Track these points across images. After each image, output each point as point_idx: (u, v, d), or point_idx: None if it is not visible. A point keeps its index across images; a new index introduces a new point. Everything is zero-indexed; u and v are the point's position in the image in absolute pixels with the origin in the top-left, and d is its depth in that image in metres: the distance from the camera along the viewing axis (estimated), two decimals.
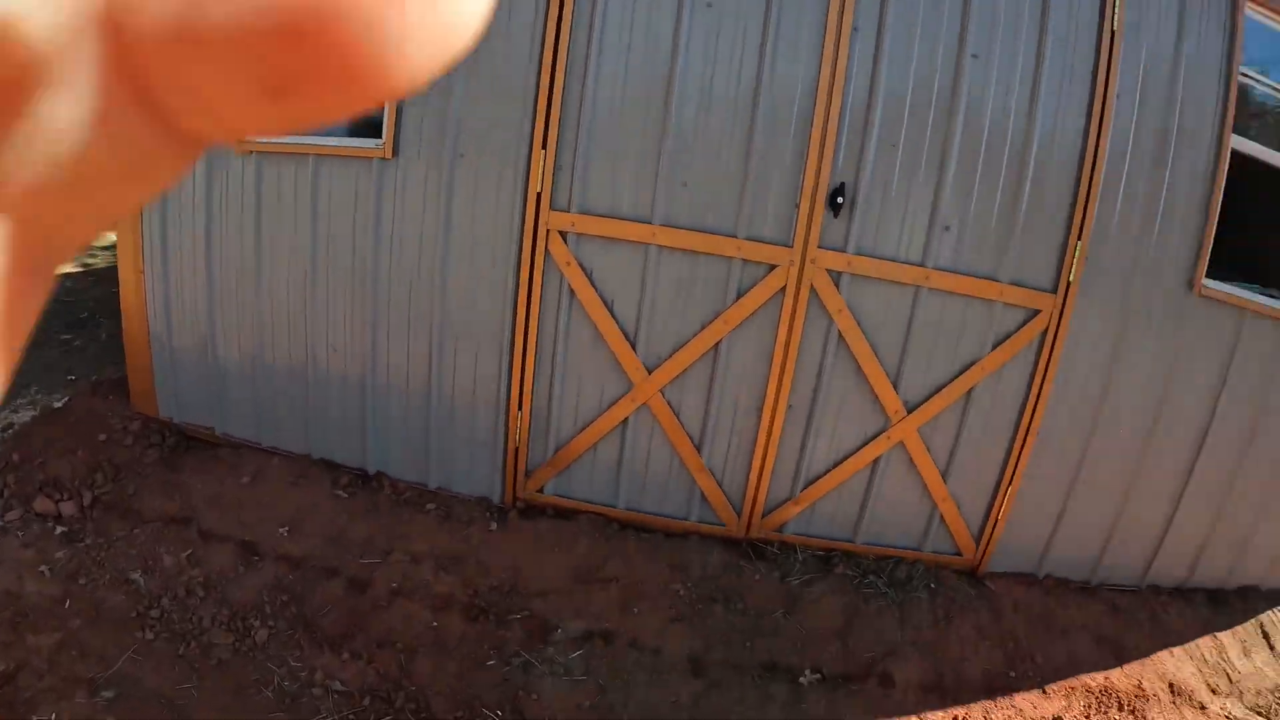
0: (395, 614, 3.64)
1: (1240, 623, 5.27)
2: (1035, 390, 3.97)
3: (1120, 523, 4.50)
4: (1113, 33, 3.90)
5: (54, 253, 0.18)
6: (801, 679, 3.63)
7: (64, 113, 0.15)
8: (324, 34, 0.14)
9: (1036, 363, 3.93)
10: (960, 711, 3.76)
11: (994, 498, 4.11)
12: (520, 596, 3.75)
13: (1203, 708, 4.38)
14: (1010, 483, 4.09)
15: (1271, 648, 5.15)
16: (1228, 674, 4.77)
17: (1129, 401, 4.23)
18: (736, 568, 3.99)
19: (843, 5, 3.48)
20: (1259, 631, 5.19)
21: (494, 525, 3.94)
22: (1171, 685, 4.44)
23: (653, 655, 3.55)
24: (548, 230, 3.56)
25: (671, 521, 4.00)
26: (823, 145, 3.55)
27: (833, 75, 3.54)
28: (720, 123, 3.52)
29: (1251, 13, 4.31)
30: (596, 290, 3.64)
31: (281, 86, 0.15)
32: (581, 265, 3.61)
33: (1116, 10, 3.86)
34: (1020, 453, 4.07)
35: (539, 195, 3.55)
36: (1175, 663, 4.62)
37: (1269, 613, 5.38)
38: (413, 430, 3.87)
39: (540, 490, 3.91)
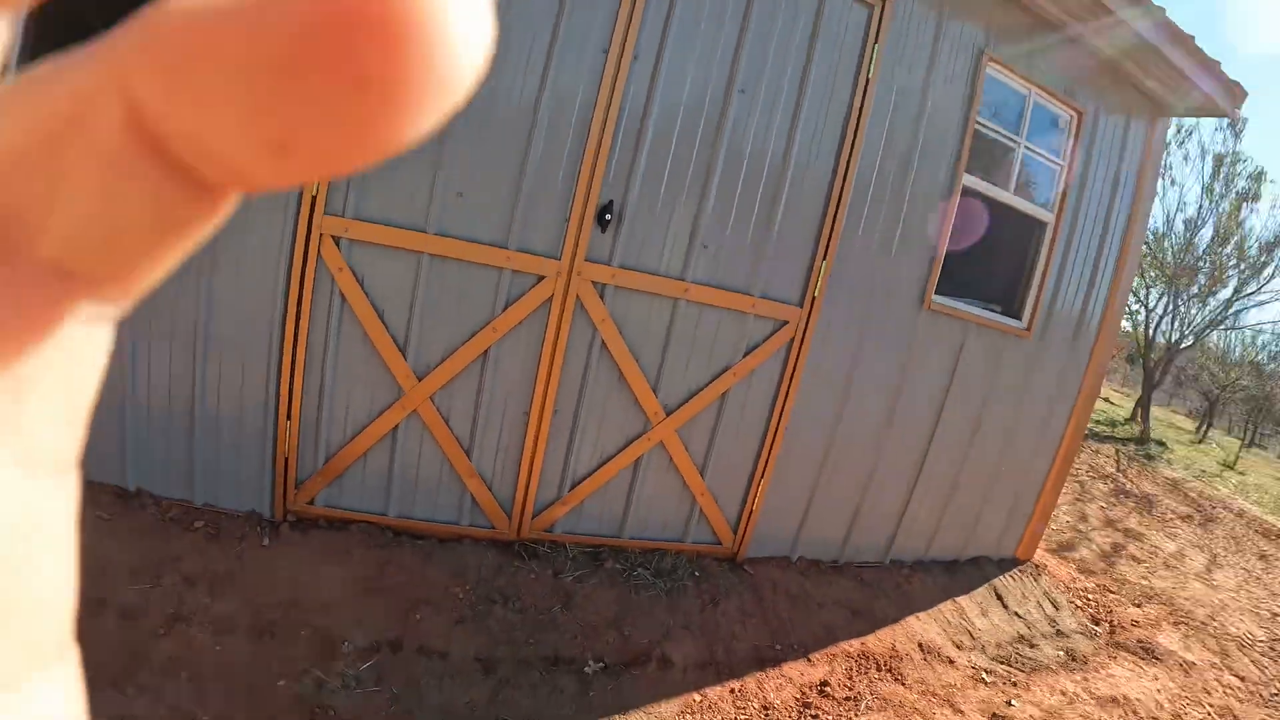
0: (176, 641, 3.45)
1: (976, 588, 5.88)
2: (783, 393, 4.37)
3: (863, 508, 5.01)
4: (868, 80, 4.31)
5: (97, 313, 0.18)
6: (586, 668, 3.75)
7: (85, 171, 0.16)
8: (322, 93, 0.15)
9: (784, 369, 4.33)
10: (736, 684, 3.99)
11: (748, 491, 4.50)
12: (302, 612, 3.66)
13: (951, 662, 4.85)
14: (762, 477, 4.48)
15: (1005, 606, 5.79)
16: (969, 632, 5.30)
17: (868, 401, 4.75)
18: (512, 568, 4.13)
19: (626, 32, 3.67)
20: (993, 594, 5.86)
21: (266, 540, 3.85)
22: (921, 645, 4.87)
23: (441, 659, 3.59)
24: (321, 235, 3.53)
25: (444, 527, 4.09)
26: (595, 164, 3.74)
27: (610, 98, 3.72)
28: (498, 135, 3.62)
29: (991, 70, 4.92)
30: (368, 297, 3.63)
31: (284, 142, 0.15)
32: (354, 272, 3.59)
33: (873, 61, 4.30)
34: (770, 449, 4.46)
35: (313, 199, 3.53)
36: (922, 626, 5.08)
37: (1000, 577, 6.13)
38: (174, 442, 3.72)
39: (311, 502, 3.86)
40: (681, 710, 3.64)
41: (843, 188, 4.24)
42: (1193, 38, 5.16)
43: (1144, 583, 8.40)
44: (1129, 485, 14.37)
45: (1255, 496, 18.18)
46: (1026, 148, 5.11)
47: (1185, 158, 20.36)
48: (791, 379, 4.41)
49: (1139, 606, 7.41)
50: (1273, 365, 34.47)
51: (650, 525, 4.42)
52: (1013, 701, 4.65)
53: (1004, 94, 5.07)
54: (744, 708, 3.86)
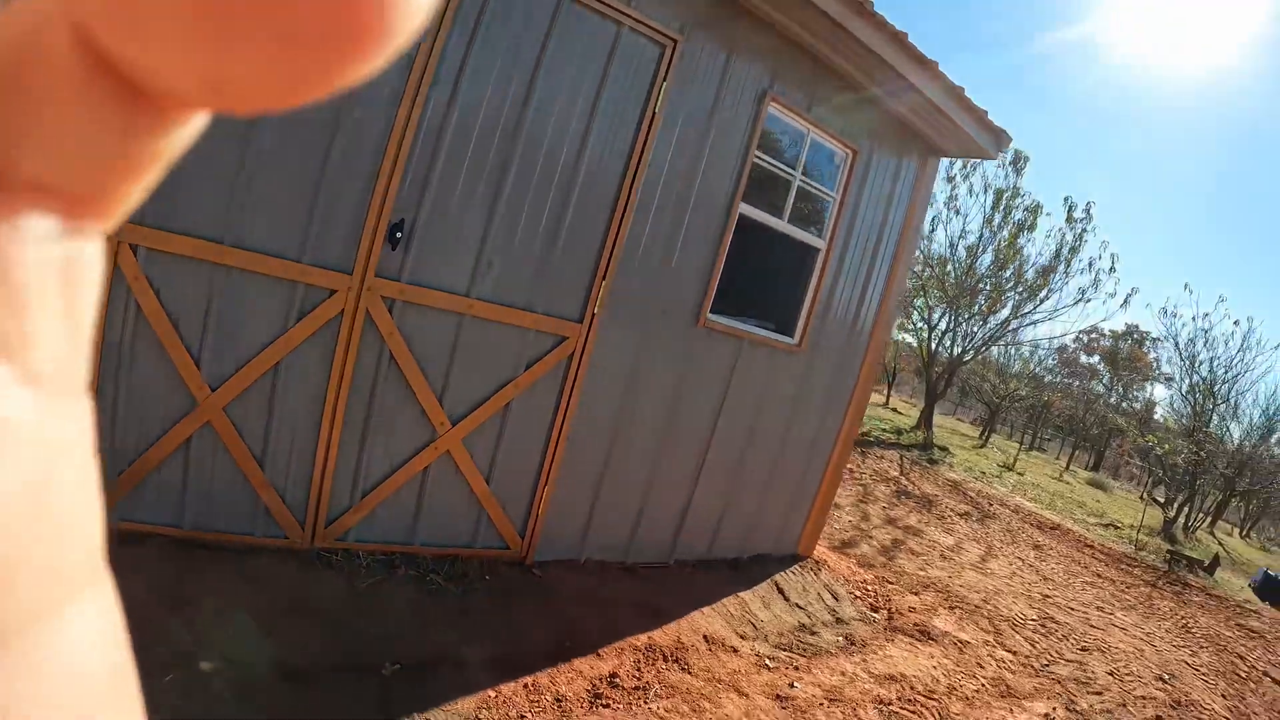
0: None
1: (759, 583, 6.40)
2: (563, 405, 4.69)
3: (646, 511, 5.38)
4: (654, 115, 4.74)
5: (84, 229, 0.19)
6: (384, 671, 3.85)
7: (47, 92, 0.16)
8: None
9: (564, 381, 4.66)
10: (529, 679, 4.22)
11: (533, 497, 4.85)
12: None
13: (736, 651, 5.26)
14: (546, 483, 4.81)
15: (787, 599, 6.35)
16: (753, 623, 5.78)
17: (647, 411, 5.18)
18: (308, 577, 4.20)
19: (428, 57, 3.95)
20: (775, 588, 6.45)
21: None
22: (706, 637, 5.27)
23: (247, 670, 3.61)
24: (119, 242, 3.54)
25: (240, 538, 4.17)
26: (389, 182, 4.02)
27: (407, 121, 3.99)
28: (297, 151, 3.78)
29: (773, 109, 5.45)
30: (164, 307, 3.69)
31: (216, 79, 0.16)
32: (150, 281, 3.63)
33: (661, 98, 4.73)
34: (553, 457, 4.76)
35: None
36: (706, 619, 5.49)
37: (781, 573, 6.79)
38: None
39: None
40: (479, 706, 3.86)
41: (624, 213, 4.67)
42: (963, 90, 5.79)
43: (921, 573, 9.12)
44: (911, 487, 15.52)
45: (1032, 494, 19.90)
46: (802, 181, 5.59)
47: (970, 190, 22.15)
48: (571, 391, 4.75)
49: (916, 595, 8.10)
50: (1050, 377, 37.36)
51: (441, 532, 4.69)
52: (795, 684, 5.09)
53: (786, 130, 5.53)
54: (538, 700, 4.07)
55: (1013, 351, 33.79)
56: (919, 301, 24.79)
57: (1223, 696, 8.15)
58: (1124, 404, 35.22)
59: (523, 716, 3.88)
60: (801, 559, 7.02)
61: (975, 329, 24.50)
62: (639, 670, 4.66)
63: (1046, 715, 6.04)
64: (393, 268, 4.13)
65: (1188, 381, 24.29)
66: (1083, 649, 8.20)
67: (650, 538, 5.71)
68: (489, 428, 4.65)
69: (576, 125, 4.44)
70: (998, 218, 22.73)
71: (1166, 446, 22.53)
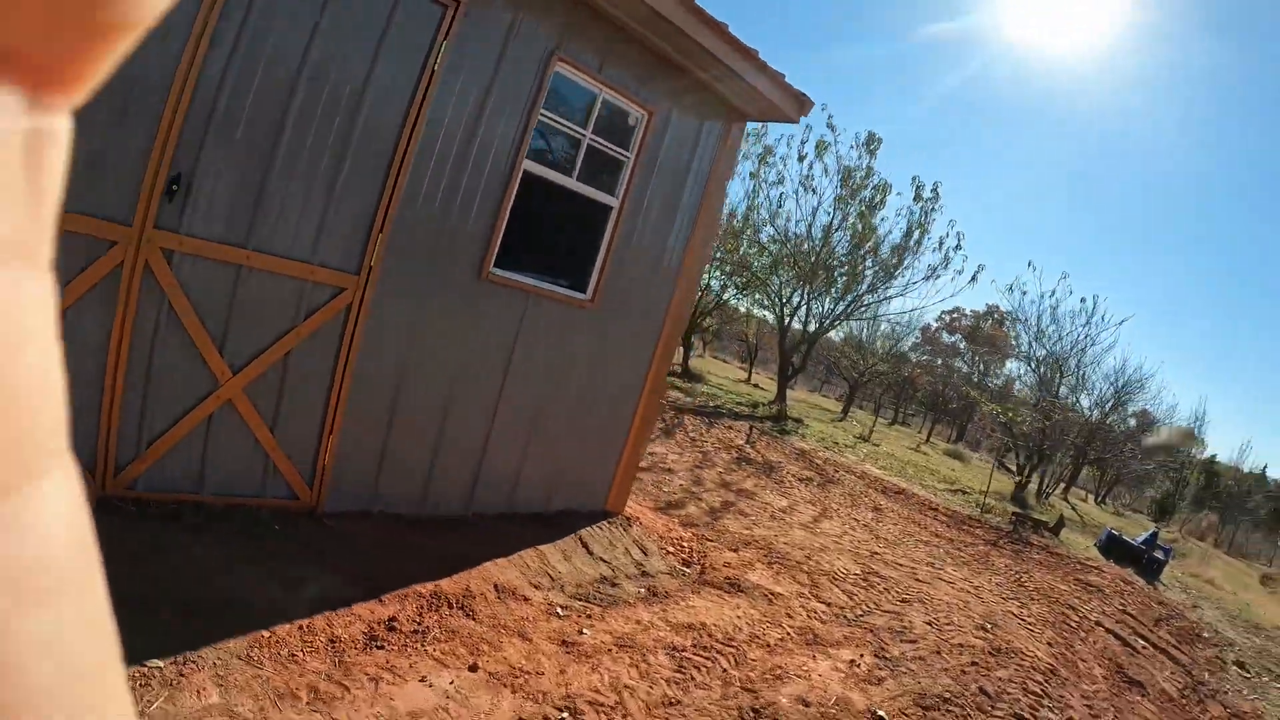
0: None
1: (563, 537, 6.76)
2: (344, 355, 4.91)
3: (439, 463, 5.69)
4: (433, 70, 4.98)
5: (48, 101, 0.19)
6: (162, 614, 3.83)
7: None
8: None
9: (343, 331, 4.88)
10: (304, 622, 4.39)
11: (319, 446, 5.17)
12: None
13: (527, 599, 5.55)
14: (331, 432, 4.96)
15: (590, 553, 6.73)
16: (550, 575, 6.10)
17: (433, 363, 5.75)
18: (94, 524, 4.17)
19: (209, 12, 4.11)
20: (579, 542, 6.87)
21: None
22: (497, 586, 5.54)
23: None
24: None
25: None
26: (169, 134, 4.22)
27: (186, 74, 4.16)
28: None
29: (562, 68, 5.71)
30: None
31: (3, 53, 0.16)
32: None
33: (441, 55, 4.96)
34: (337, 407, 4.86)
35: None
36: (500, 570, 5.78)
37: (588, 528, 7.28)
38: None
39: None
40: (250, 645, 4.07)
41: (401, 167, 4.81)
42: (757, 52, 6.05)
43: (746, 533, 9.55)
44: (754, 455, 16.09)
45: (884, 462, 20.90)
46: (593, 140, 5.78)
47: (825, 170, 23.05)
48: (351, 342, 4.93)
49: (735, 551, 8.52)
50: (915, 355, 38.71)
51: (230, 482, 5.02)
52: (584, 630, 5.44)
53: (577, 90, 5.70)
54: (311, 641, 4.31)
55: (871, 328, 35.15)
56: (774, 279, 25.56)
57: (1048, 644, 8.53)
58: (984, 380, 36.67)
59: (293, 655, 4.03)
60: (611, 515, 7.39)
61: (830, 305, 25.47)
62: (420, 616, 4.90)
63: (852, 662, 6.38)
64: (172, 220, 4.43)
65: (1036, 355, 25.82)
66: (903, 600, 8.61)
67: (445, 490, 5.97)
68: (271, 377, 4.85)
69: (355, 81, 4.70)
70: (847, 195, 23.68)
71: (1011, 414, 23.76)
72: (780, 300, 26.42)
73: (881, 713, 5.58)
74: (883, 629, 7.44)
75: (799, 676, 5.89)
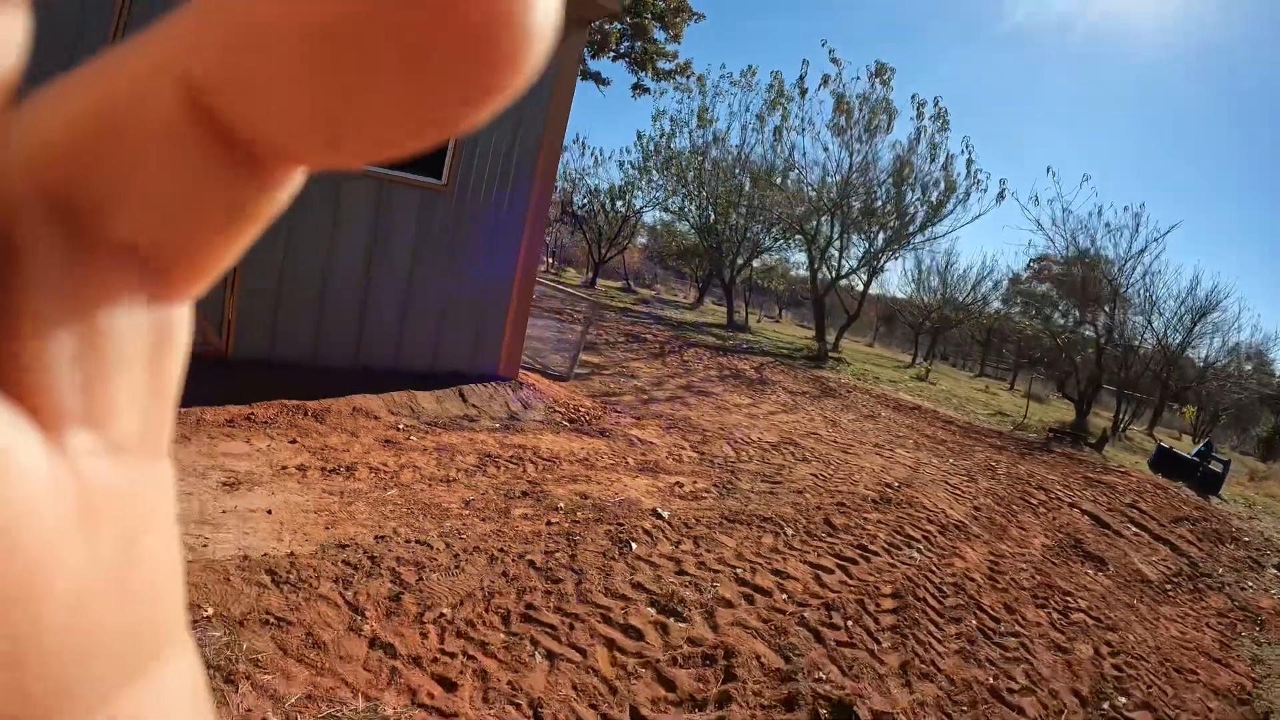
0: None
1: (443, 389, 7.98)
2: None
3: (324, 323, 7.62)
4: None
5: (173, 294, 0.19)
6: None
7: (146, 152, 0.17)
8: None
9: None
10: (183, 410, 5.76)
11: (223, 301, 6.96)
12: None
13: (377, 418, 6.86)
14: (232, 294, 7.06)
15: (464, 400, 8.05)
16: (412, 409, 7.43)
17: (308, 242, 7.22)
18: None
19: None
20: (458, 394, 8.21)
21: None
22: (357, 408, 6.88)
23: None
24: None
25: None
26: None
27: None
28: None
29: None
30: None
31: (333, 132, 0.16)
32: None
33: None
34: (235, 269, 6.27)
35: None
36: (366, 400, 7.12)
37: (471, 385, 8.34)
38: None
39: None
40: None
41: None
42: None
43: (672, 413, 10.23)
44: (752, 376, 16.24)
45: (927, 394, 20.93)
46: None
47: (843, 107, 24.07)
48: None
49: (639, 419, 9.28)
50: (1006, 307, 37.76)
51: None
52: (413, 437, 6.71)
53: None
54: (183, 420, 5.70)
55: (924, 270, 35.11)
56: (809, 225, 26.16)
57: (974, 510, 8.59)
58: (1079, 329, 35.78)
59: None
60: (503, 379, 8.44)
61: (867, 246, 26.15)
62: (276, 415, 6.31)
63: (678, 484, 6.99)
64: None
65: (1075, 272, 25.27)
66: (802, 460, 8.94)
67: (332, 345, 7.81)
68: None
69: None
70: (859, 125, 24.71)
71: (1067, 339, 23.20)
72: (809, 240, 27.23)
73: (663, 512, 6.10)
74: (747, 472, 7.81)
75: (599, 484, 6.54)
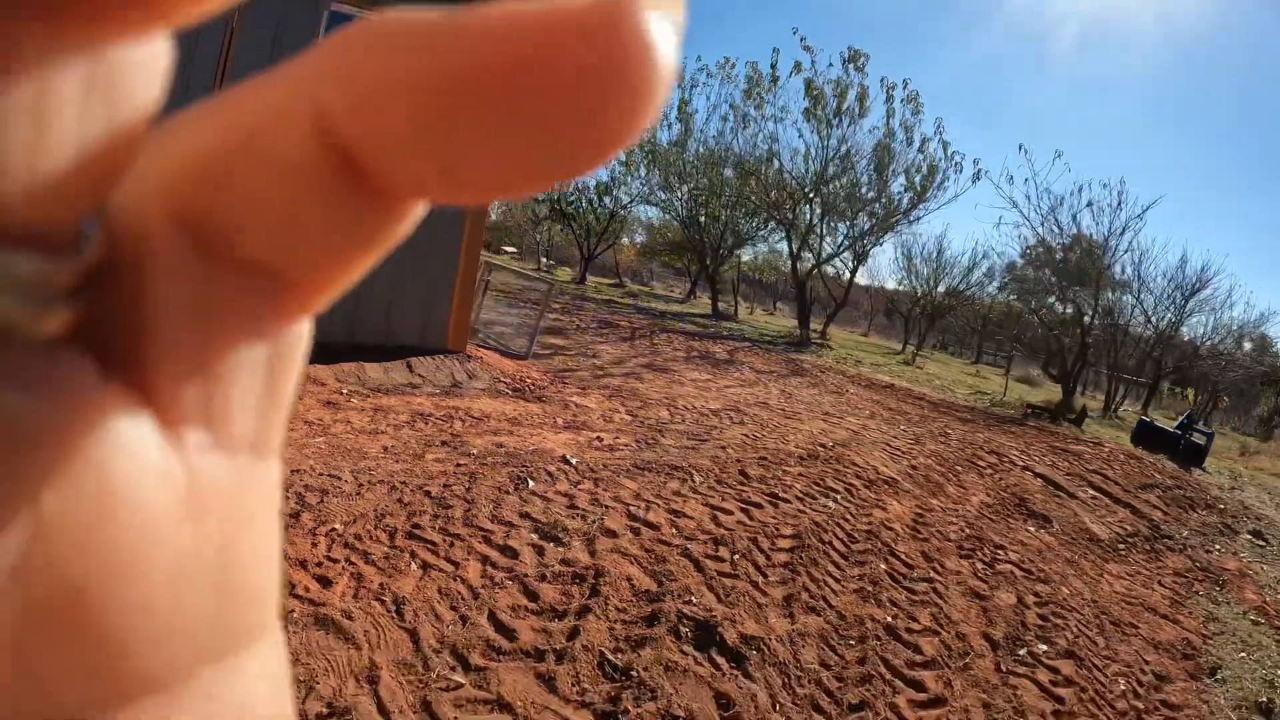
0: None
1: (393, 360, 8.51)
2: None
3: None
4: (233, 29, 6.98)
5: (294, 310, 0.20)
6: None
7: (277, 177, 0.17)
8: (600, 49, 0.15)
9: None
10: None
11: None
12: None
13: (324, 384, 7.28)
14: None
15: (411, 370, 8.50)
16: (359, 377, 7.90)
17: None
18: None
19: None
20: (406, 365, 8.70)
21: None
22: (313, 378, 7.36)
23: None
24: None
25: None
26: None
27: None
28: None
29: (336, 8, 7.52)
30: None
31: (450, 167, 0.16)
32: None
33: (238, 11, 6.95)
34: None
35: None
36: (315, 370, 7.50)
37: (420, 357, 8.79)
38: None
39: None
40: None
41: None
42: None
43: (620, 384, 10.40)
44: (722, 357, 16.27)
45: (908, 376, 20.79)
46: None
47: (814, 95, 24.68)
48: None
49: (584, 389, 9.49)
50: (1004, 295, 37.86)
51: None
52: (354, 400, 7.18)
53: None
54: None
55: (908, 256, 35.38)
56: (786, 211, 26.61)
57: (910, 468, 8.51)
58: (1080, 315, 36.06)
59: None
60: (452, 353, 8.85)
61: (846, 231, 26.58)
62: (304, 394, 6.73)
63: (598, 438, 7.19)
64: None
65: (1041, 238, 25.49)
66: (738, 424, 9.02)
67: None
68: None
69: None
70: (829, 110, 25.57)
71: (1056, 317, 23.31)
72: (788, 227, 27.61)
73: (572, 459, 6.26)
74: (676, 431, 7.90)
75: (518, 437, 6.72)
